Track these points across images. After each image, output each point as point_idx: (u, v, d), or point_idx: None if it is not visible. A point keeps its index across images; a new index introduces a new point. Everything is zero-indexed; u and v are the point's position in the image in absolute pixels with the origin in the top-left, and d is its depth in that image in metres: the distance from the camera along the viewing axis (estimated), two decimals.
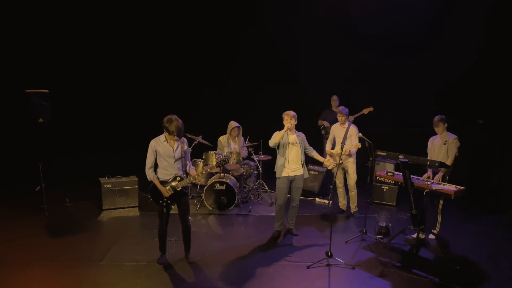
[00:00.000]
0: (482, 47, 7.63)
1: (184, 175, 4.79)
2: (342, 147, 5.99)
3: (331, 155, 6.50)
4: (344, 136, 6.31)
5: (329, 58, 8.73)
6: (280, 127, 5.33)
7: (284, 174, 5.38)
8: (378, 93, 8.35)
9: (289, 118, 5.30)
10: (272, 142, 5.37)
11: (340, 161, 6.00)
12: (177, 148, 4.67)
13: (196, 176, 4.76)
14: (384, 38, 8.37)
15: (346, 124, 6.36)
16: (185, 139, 4.81)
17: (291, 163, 5.38)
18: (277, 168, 5.47)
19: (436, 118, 5.63)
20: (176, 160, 4.67)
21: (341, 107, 6.44)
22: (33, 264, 4.81)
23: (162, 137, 4.65)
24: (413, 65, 8.31)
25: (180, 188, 4.68)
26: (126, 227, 6.02)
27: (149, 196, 4.82)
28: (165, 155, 4.62)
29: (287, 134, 5.35)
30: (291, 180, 5.45)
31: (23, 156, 7.72)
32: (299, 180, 5.49)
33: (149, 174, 4.65)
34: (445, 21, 8.02)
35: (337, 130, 6.47)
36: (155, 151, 4.63)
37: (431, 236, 5.75)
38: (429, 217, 5.77)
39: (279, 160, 5.42)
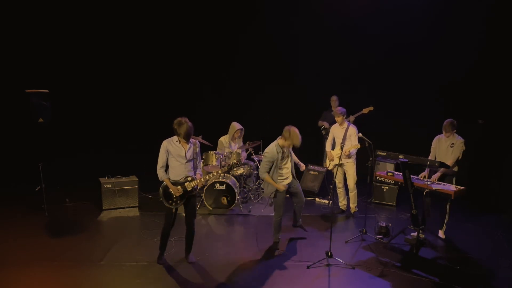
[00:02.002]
0: (482, 47, 7.63)
1: (195, 176, 4.79)
2: (341, 148, 6.00)
3: (331, 159, 6.49)
4: (344, 137, 6.30)
5: (329, 58, 8.73)
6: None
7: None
8: (378, 93, 8.35)
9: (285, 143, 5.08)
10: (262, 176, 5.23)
11: (340, 162, 6.00)
12: (189, 149, 4.68)
13: (202, 179, 4.73)
14: (384, 38, 8.36)
15: (345, 125, 6.35)
16: (198, 142, 4.83)
17: (286, 174, 5.29)
18: (267, 186, 5.29)
19: (447, 122, 5.54)
20: (187, 161, 4.68)
21: (337, 108, 6.42)
22: (33, 264, 4.81)
23: (175, 138, 4.65)
24: (413, 65, 8.30)
25: (190, 189, 4.69)
26: (126, 227, 6.02)
27: (160, 197, 4.81)
28: (176, 155, 4.63)
29: (281, 153, 5.15)
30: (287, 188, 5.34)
31: (23, 156, 7.71)
32: (293, 184, 5.39)
33: (160, 173, 4.67)
34: (445, 21, 8.02)
35: (336, 131, 6.47)
36: (167, 151, 4.64)
37: (441, 235, 5.77)
38: (432, 217, 5.77)
39: (274, 174, 5.20)
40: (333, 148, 6.60)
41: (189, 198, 4.76)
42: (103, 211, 6.55)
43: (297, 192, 5.47)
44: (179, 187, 4.65)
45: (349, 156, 6.31)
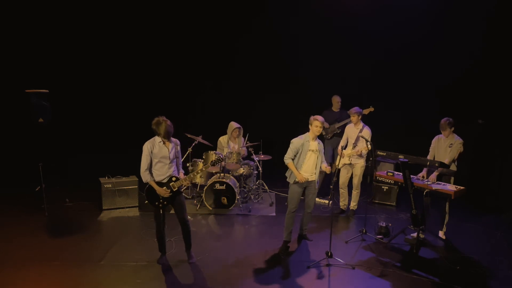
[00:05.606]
0: (482, 47, 7.63)
1: (179, 175, 4.78)
2: (353, 147, 5.99)
3: (343, 156, 6.45)
4: (357, 137, 6.27)
5: (329, 58, 8.73)
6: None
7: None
8: (378, 93, 8.35)
9: (320, 127, 5.09)
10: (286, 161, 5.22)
11: (349, 161, 5.97)
12: (172, 149, 4.67)
13: (187, 178, 4.73)
14: (384, 38, 8.37)
15: (360, 126, 6.29)
16: (178, 141, 4.80)
17: (307, 170, 5.21)
18: (290, 173, 5.23)
19: (443, 121, 5.52)
20: (171, 161, 4.66)
21: (353, 108, 6.32)
22: (33, 264, 4.82)
23: (157, 138, 4.61)
24: (413, 65, 8.31)
25: (176, 189, 4.68)
26: (126, 227, 6.02)
27: (145, 199, 4.81)
28: (160, 156, 4.60)
29: (309, 142, 5.16)
30: (305, 186, 5.28)
31: (23, 156, 7.71)
32: (313, 186, 5.31)
33: (145, 176, 4.62)
34: (445, 21, 8.02)
35: (350, 131, 6.43)
36: (151, 153, 4.60)
37: (441, 235, 5.78)
38: (431, 217, 5.79)
39: (297, 164, 5.17)
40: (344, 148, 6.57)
41: (175, 195, 4.74)
42: (103, 211, 6.55)
43: (309, 197, 5.37)
44: (164, 188, 4.64)
45: (361, 155, 6.29)
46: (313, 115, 5.17)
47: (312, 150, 5.17)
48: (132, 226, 6.08)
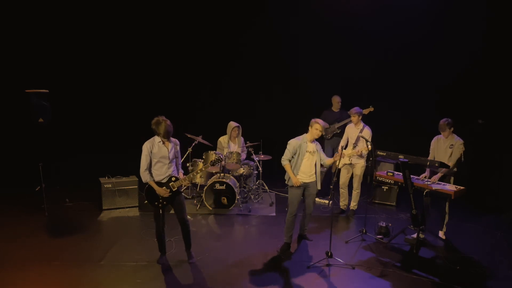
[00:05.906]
0: (482, 47, 7.63)
1: (178, 175, 4.79)
2: (354, 147, 5.99)
3: (343, 156, 6.43)
4: (357, 138, 6.26)
5: (329, 58, 8.73)
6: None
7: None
8: (378, 93, 8.35)
9: (320, 131, 5.09)
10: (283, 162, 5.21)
11: (350, 161, 5.95)
12: (171, 149, 4.67)
13: (187, 178, 4.73)
14: (384, 38, 8.36)
15: (360, 126, 6.29)
16: (177, 141, 4.81)
17: (305, 171, 5.17)
18: (289, 177, 5.20)
19: (442, 121, 5.49)
20: (170, 161, 4.66)
21: (353, 108, 6.34)
22: (33, 264, 4.82)
23: (157, 138, 4.61)
24: (413, 65, 8.31)
25: (176, 188, 4.68)
26: (126, 227, 6.02)
27: (145, 199, 4.81)
28: (159, 156, 4.60)
29: (306, 143, 5.16)
30: (304, 187, 5.25)
31: (23, 156, 7.71)
32: (312, 187, 5.29)
33: (145, 176, 4.62)
34: (445, 21, 8.02)
35: (351, 131, 6.42)
36: (151, 152, 4.60)
37: (441, 235, 5.77)
38: (431, 217, 5.78)
39: (295, 167, 5.17)
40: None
41: (175, 195, 4.74)
42: (103, 211, 6.55)
43: (308, 198, 5.36)
44: (164, 188, 4.64)
45: (361, 155, 6.28)
46: (315, 118, 5.16)
47: (310, 152, 5.17)
48: (132, 226, 6.08)
